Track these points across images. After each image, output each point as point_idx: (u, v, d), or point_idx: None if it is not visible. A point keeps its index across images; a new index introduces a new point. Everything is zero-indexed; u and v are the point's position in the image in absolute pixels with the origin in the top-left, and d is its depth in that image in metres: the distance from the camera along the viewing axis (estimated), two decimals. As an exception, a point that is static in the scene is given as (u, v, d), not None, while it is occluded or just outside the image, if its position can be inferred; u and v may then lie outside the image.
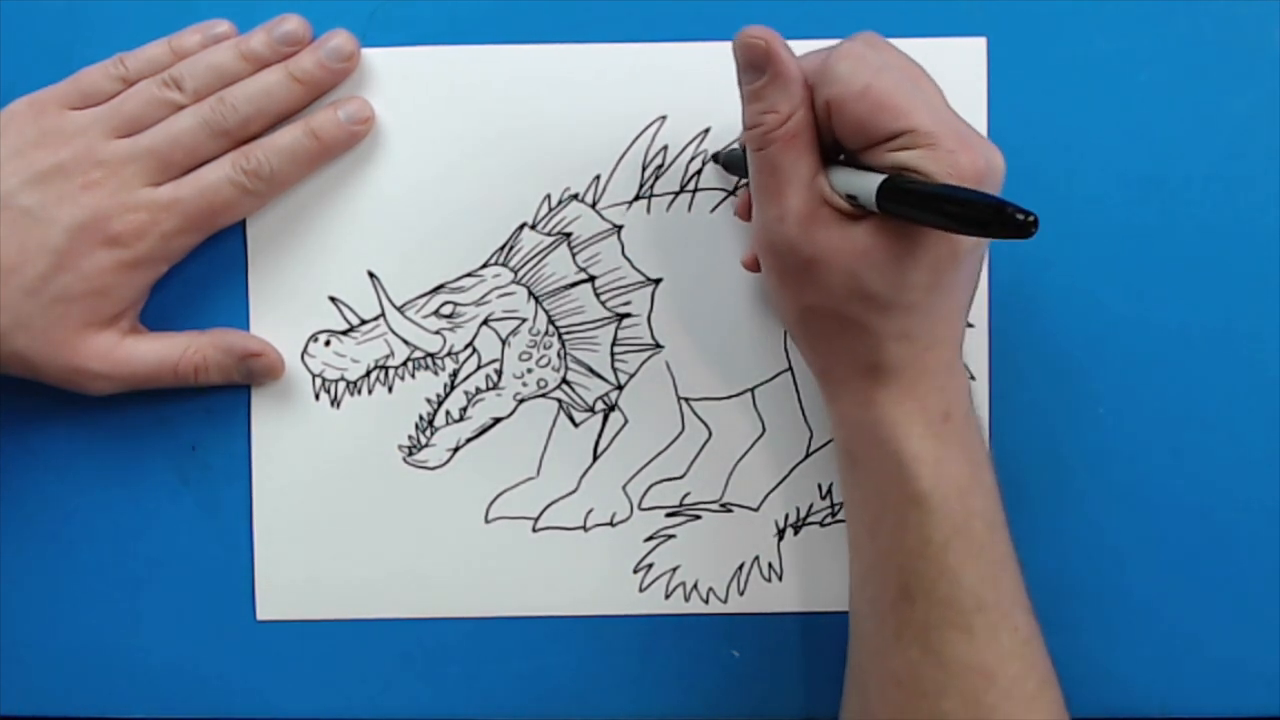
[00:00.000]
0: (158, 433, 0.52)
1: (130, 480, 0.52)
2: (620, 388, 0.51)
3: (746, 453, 0.52)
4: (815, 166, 0.42)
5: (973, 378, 0.51)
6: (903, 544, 0.43)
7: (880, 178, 0.40)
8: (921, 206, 0.38)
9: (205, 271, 0.51)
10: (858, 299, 0.42)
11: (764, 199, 0.43)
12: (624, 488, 0.52)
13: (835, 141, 0.42)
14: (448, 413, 0.51)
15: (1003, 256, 0.51)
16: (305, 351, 0.51)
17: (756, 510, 0.52)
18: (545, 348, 0.51)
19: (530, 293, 0.51)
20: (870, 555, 0.45)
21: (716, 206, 0.51)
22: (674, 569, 0.52)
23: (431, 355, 0.51)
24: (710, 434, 0.52)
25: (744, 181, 0.50)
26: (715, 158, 0.50)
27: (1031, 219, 0.35)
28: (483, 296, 0.51)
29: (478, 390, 0.51)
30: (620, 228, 0.51)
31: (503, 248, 0.51)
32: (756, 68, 0.42)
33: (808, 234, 0.42)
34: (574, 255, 0.51)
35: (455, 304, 0.51)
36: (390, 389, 0.51)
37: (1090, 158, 0.51)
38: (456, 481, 0.51)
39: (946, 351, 0.44)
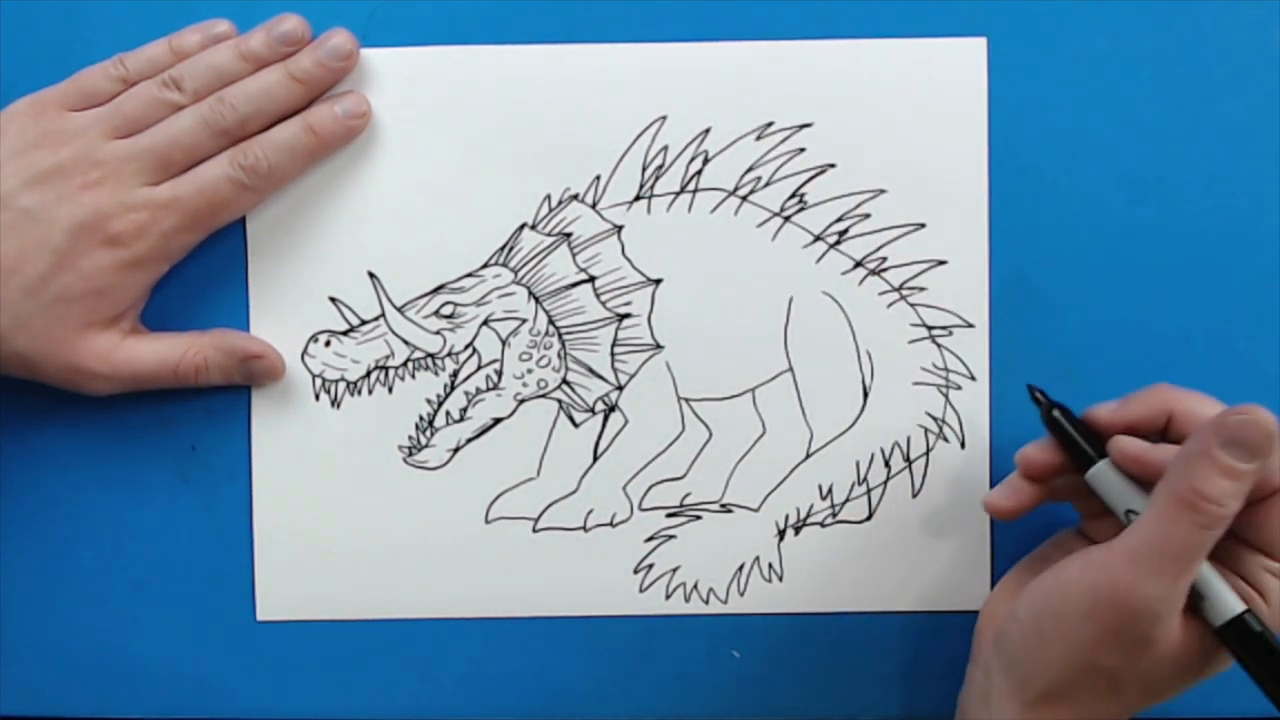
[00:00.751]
0: (158, 433, 0.52)
1: (130, 480, 0.52)
2: (620, 388, 0.51)
3: (747, 453, 0.52)
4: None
5: (973, 377, 0.51)
6: None
7: (1239, 607, 0.40)
8: (1263, 666, 0.40)
9: (205, 272, 0.51)
10: (1142, 680, 0.42)
11: (1162, 569, 0.40)
12: (624, 488, 0.52)
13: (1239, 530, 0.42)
14: (448, 413, 0.51)
15: (1003, 256, 0.51)
16: (305, 352, 0.51)
17: (757, 511, 0.52)
18: (545, 348, 0.51)
19: (530, 293, 0.51)
20: None
21: (717, 207, 0.51)
22: (674, 569, 0.52)
23: (431, 355, 0.51)
24: (710, 434, 0.52)
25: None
26: (1040, 398, 0.47)
27: None
28: (483, 297, 0.51)
29: (478, 390, 0.51)
30: (620, 228, 0.51)
31: (503, 248, 0.51)
32: (1251, 451, 0.40)
33: (1170, 620, 0.40)
34: (574, 255, 0.51)
35: (455, 304, 0.51)
36: (390, 389, 0.51)
37: (1090, 158, 0.51)
38: (456, 482, 0.51)
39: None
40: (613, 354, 0.51)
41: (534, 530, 0.52)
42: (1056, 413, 0.46)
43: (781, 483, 0.52)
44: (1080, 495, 0.47)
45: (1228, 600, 0.41)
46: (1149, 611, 0.40)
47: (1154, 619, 0.40)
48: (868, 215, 0.51)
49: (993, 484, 0.51)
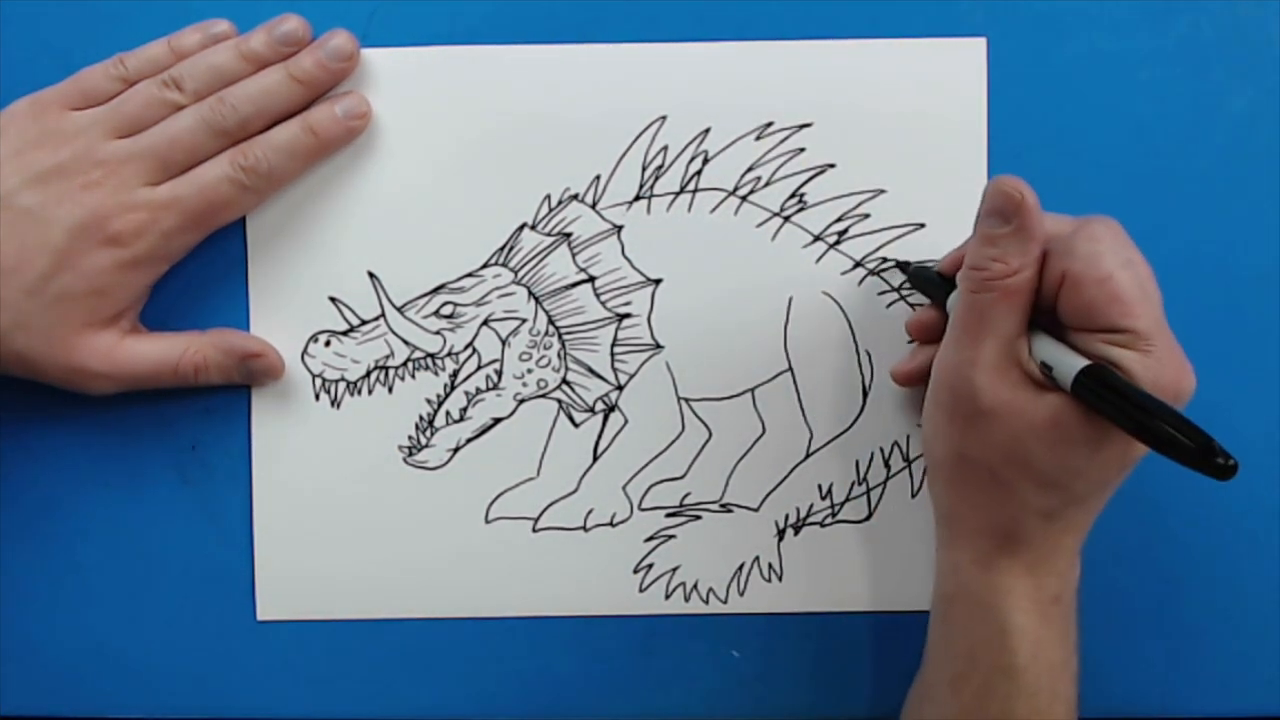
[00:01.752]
0: (158, 433, 0.52)
1: (130, 480, 0.52)
2: (620, 388, 0.51)
3: (747, 453, 0.52)
4: (1021, 326, 0.42)
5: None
6: (985, 709, 0.44)
7: (1084, 362, 0.40)
8: (1123, 409, 0.39)
9: (205, 271, 0.51)
10: (1018, 466, 0.42)
11: (960, 340, 0.43)
12: (624, 488, 0.52)
13: (1050, 310, 0.42)
14: (448, 413, 0.51)
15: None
16: (305, 352, 0.51)
17: (756, 510, 0.52)
18: (545, 348, 0.51)
19: (530, 293, 0.51)
20: (947, 709, 0.45)
21: (717, 207, 0.51)
22: (674, 569, 0.52)
23: (431, 355, 0.51)
24: (710, 434, 0.52)
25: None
26: (903, 267, 0.50)
27: (1232, 464, 0.36)
28: (483, 297, 0.51)
29: (478, 390, 0.51)
30: (620, 228, 0.51)
31: (503, 248, 0.51)
32: (1003, 216, 0.42)
33: (992, 387, 0.42)
34: (574, 255, 0.51)
35: (455, 304, 0.51)
36: (390, 389, 0.51)
37: (1090, 158, 0.51)
38: (456, 482, 0.51)
39: (1077, 538, 0.44)
40: (613, 354, 0.51)
41: (534, 530, 0.52)
42: (912, 266, 0.50)
43: (781, 483, 0.52)
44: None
45: (1070, 360, 0.41)
46: (962, 379, 0.42)
47: (971, 387, 0.42)
48: (867, 215, 0.51)
49: (993, 484, 0.51)
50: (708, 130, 0.51)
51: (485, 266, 0.51)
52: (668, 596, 0.52)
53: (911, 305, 0.51)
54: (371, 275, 0.51)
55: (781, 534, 0.52)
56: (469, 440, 0.51)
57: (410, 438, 0.51)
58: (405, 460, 0.51)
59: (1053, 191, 0.51)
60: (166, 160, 0.48)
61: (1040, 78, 0.51)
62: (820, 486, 0.52)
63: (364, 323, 0.51)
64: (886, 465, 0.52)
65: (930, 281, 0.49)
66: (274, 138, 0.49)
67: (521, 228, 0.51)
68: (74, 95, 0.49)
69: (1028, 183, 0.42)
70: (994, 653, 0.44)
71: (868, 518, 0.52)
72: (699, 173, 0.51)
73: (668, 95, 0.51)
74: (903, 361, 0.50)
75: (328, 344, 0.51)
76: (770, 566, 0.52)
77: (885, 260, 0.51)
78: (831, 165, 0.51)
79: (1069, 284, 0.41)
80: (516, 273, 0.51)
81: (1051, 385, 0.42)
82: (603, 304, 0.51)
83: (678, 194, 0.51)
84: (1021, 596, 0.43)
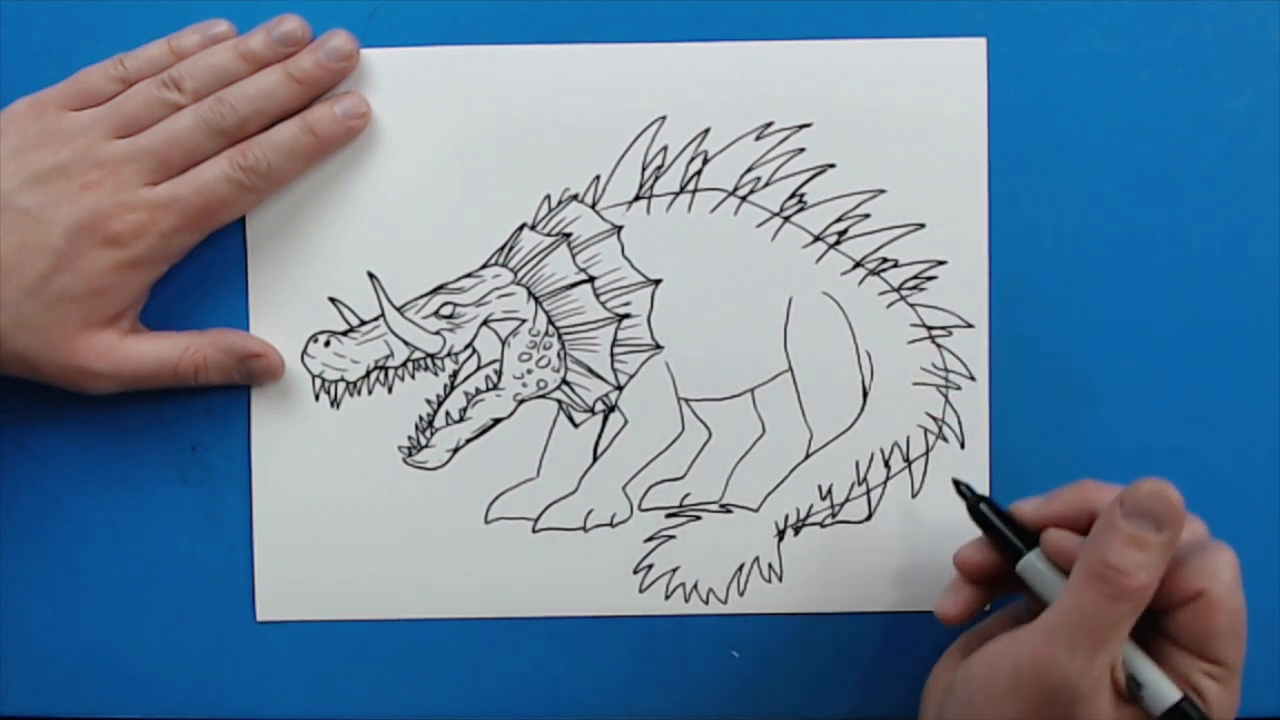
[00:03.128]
0: (158, 433, 0.52)
1: (130, 480, 0.52)
2: (620, 388, 0.51)
3: (746, 453, 0.52)
4: (1127, 633, 0.40)
5: (973, 378, 0.51)
6: None
7: (1176, 694, 0.40)
8: None
9: (205, 271, 0.51)
10: None
11: (1076, 645, 0.40)
12: (624, 488, 0.52)
13: (1154, 616, 0.41)
14: (447, 413, 0.51)
15: (1003, 256, 0.51)
16: (305, 352, 0.51)
17: (756, 511, 0.52)
18: (545, 348, 0.51)
19: (530, 293, 0.51)
20: None
21: (716, 207, 0.51)
22: (674, 570, 0.52)
23: (431, 356, 0.51)
24: (710, 434, 0.51)
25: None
26: (963, 490, 0.46)
27: None
28: (482, 297, 0.51)
29: (477, 391, 0.51)
30: (620, 228, 0.51)
31: (502, 248, 0.51)
32: (1157, 523, 0.40)
33: (1093, 698, 0.40)
34: (574, 256, 0.51)
35: (455, 304, 0.51)
36: (390, 389, 0.51)
37: (1090, 158, 0.51)
38: (456, 482, 0.51)
39: None
40: (612, 354, 0.51)
41: (534, 530, 0.52)
42: (983, 507, 0.45)
43: (781, 483, 0.52)
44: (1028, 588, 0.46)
45: (1165, 688, 0.40)
46: (1068, 687, 0.40)
47: (1073, 695, 0.40)
48: (868, 215, 0.51)
49: (992, 484, 0.51)
50: (708, 130, 0.51)
51: (485, 267, 0.51)
52: (668, 597, 0.52)
53: (911, 305, 0.51)
54: (371, 275, 0.51)
55: (781, 534, 0.52)
56: (469, 440, 0.51)
57: (410, 438, 0.51)
58: (405, 460, 0.51)
59: (1053, 191, 0.51)
60: (166, 160, 0.48)
61: (1040, 78, 0.51)
62: (820, 487, 0.52)
63: (364, 323, 0.51)
64: (887, 465, 0.51)
65: (1000, 525, 0.45)
66: (273, 137, 0.49)
67: (521, 228, 0.51)
68: (73, 95, 0.49)
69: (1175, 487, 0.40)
70: None
71: (868, 518, 0.52)
72: (699, 173, 0.51)
73: (668, 95, 0.51)
74: (947, 598, 0.46)
75: (327, 344, 0.51)
76: (770, 567, 0.52)
77: (958, 485, 0.46)
78: (831, 165, 0.51)
79: (1204, 604, 0.40)
80: (516, 273, 0.51)
81: (1133, 698, 0.41)
82: (602, 304, 0.51)
83: (678, 194, 0.51)
84: None
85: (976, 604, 0.46)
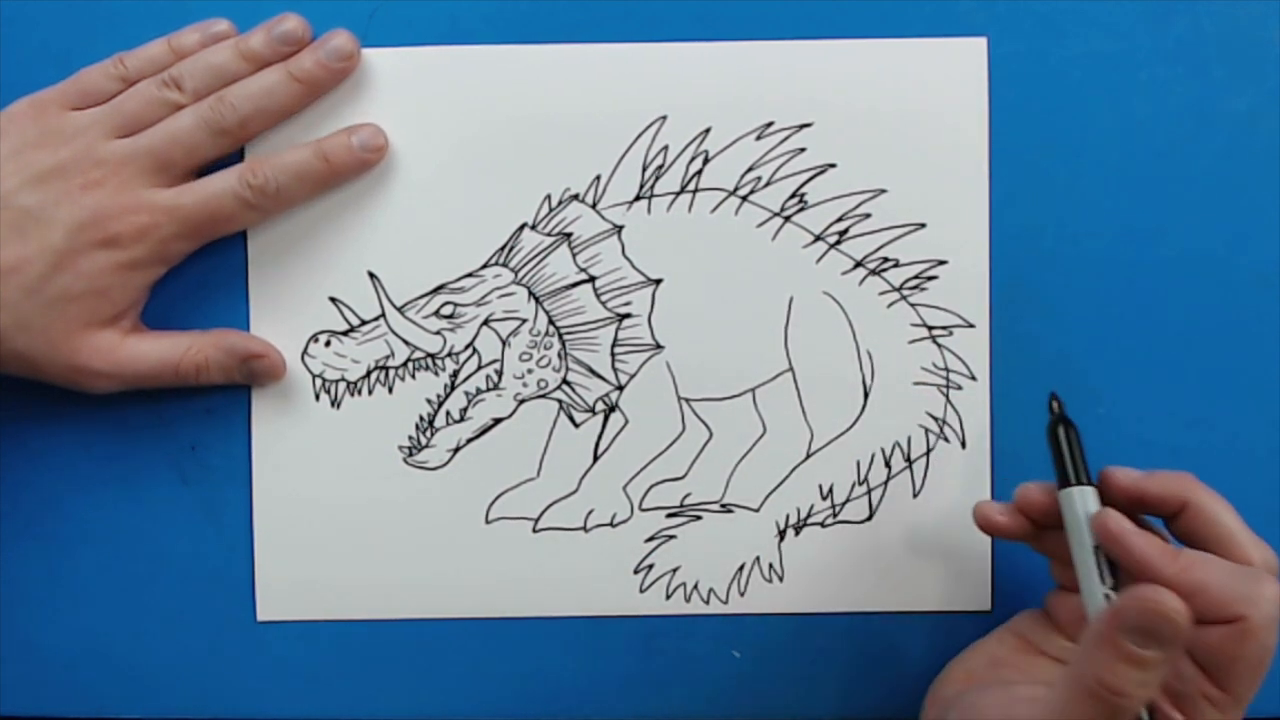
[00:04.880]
0: (158, 433, 0.52)
1: (130, 480, 0.52)
2: (621, 388, 0.51)
3: (747, 453, 0.51)
4: None
5: (973, 377, 0.51)
6: None
7: None
8: None
9: (206, 271, 0.51)
10: None
11: None
12: (624, 488, 0.52)
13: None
14: (448, 413, 0.51)
15: (1003, 256, 0.51)
16: (305, 352, 0.51)
17: (757, 511, 0.52)
18: (545, 348, 0.51)
19: (530, 293, 0.51)
20: None
21: (717, 207, 0.51)
22: (674, 570, 0.52)
23: (432, 356, 0.51)
24: (711, 434, 0.51)
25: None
26: (1053, 407, 0.46)
27: None
28: (483, 297, 0.51)
29: (478, 391, 0.51)
30: (620, 228, 0.51)
31: (503, 248, 0.51)
32: (1158, 640, 0.36)
33: None
34: (574, 255, 0.51)
35: (455, 304, 0.51)
36: (390, 389, 0.51)
37: (1090, 158, 0.51)
38: (457, 482, 0.51)
39: None
40: (613, 354, 0.51)
41: (534, 530, 0.52)
42: (1062, 429, 0.44)
43: (782, 483, 0.52)
44: (1059, 558, 0.45)
45: None
46: None
47: None
48: (868, 215, 0.51)
49: (993, 484, 0.51)
50: (708, 130, 0.51)
51: (485, 266, 0.51)
52: (668, 597, 0.52)
53: (912, 305, 0.51)
54: (371, 275, 0.51)
55: (782, 534, 0.52)
56: (469, 440, 0.51)
57: (410, 438, 0.51)
58: (405, 460, 0.51)
59: (1053, 191, 0.51)
60: (166, 160, 0.48)
61: (1040, 78, 0.51)
62: (821, 487, 0.52)
63: (364, 323, 0.51)
64: (887, 465, 0.51)
65: (1067, 447, 0.44)
66: (285, 160, 0.49)
67: (522, 228, 0.51)
68: (74, 95, 0.49)
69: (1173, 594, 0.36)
70: None
71: (869, 518, 0.52)
72: (699, 173, 0.51)
73: (668, 95, 0.51)
74: (995, 510, 0.45)
75: (328, 344, 0.51)
76: (771, 567, 0.52)
77: (1052, 398, 0.46)
78: (832, 165, 0.51)
79: (1239, 630, 0.38)
80: (517, 273, 0.51)
81: None
82: (603, 304, 0.51)
83: (678, 194, 0.51)
84: None
85: (1018, 530, 0.45)
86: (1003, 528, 0.45)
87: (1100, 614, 0.37)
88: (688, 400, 0.51)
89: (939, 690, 0.46)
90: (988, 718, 0.41)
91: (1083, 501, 0.43)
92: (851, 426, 0.51)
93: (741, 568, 0.52)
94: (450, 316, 0.51)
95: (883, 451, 0.51)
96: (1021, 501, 0.45)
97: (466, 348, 0.51)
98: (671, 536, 0.52)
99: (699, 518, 0.52)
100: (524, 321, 0.51)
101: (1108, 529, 0.41)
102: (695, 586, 0.52)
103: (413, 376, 0.51)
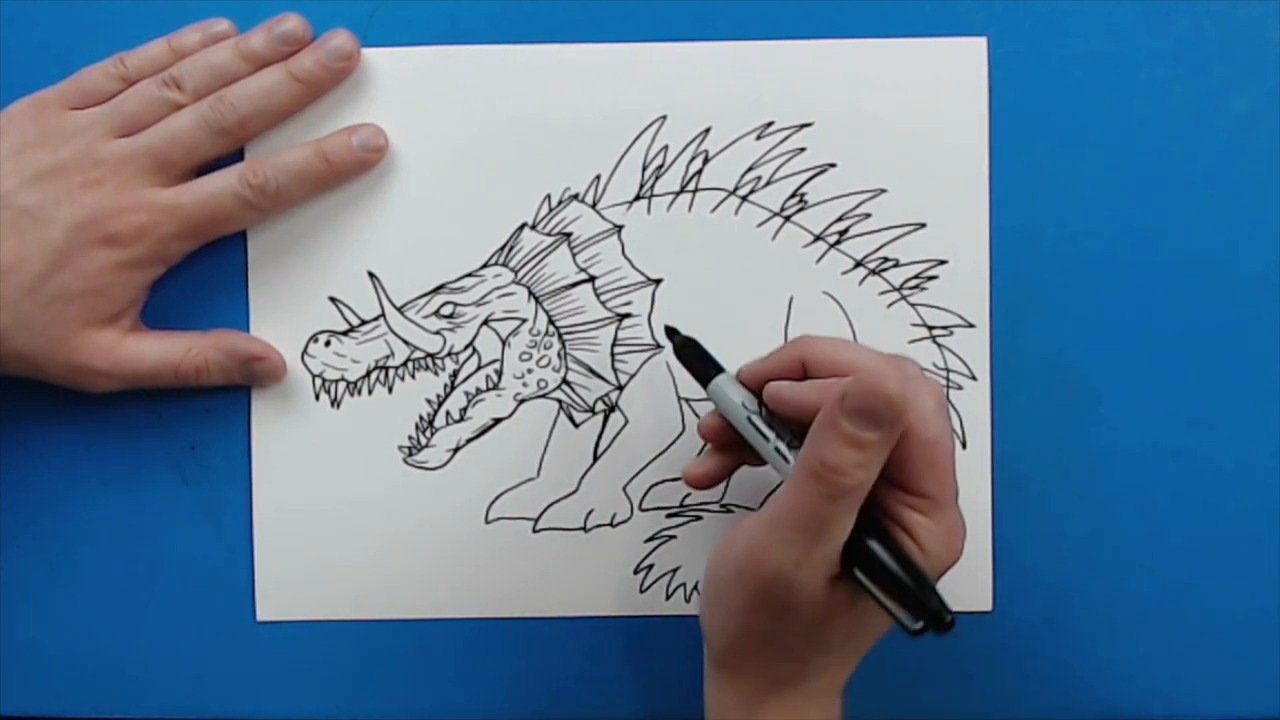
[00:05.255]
0: (158, 433, 0.52)
1: (130, 480, 0.52)
2: (621, 388, 0.51)
3: (747, 453, 0.51)
4: (851, 524, 0.40)
5: (973, 377, 0.51)
6: None
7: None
8: (888, 588, 0.40)
9: (205, 271, 0.51)
10: (809, 642, 0.42)
11: (791, 540, 0.40)
12: (624, 488, 0.52)
13: None
14: (448, 413, 0.51)
15: (1003, 256, 0.51)
16: (305, 352, 0.51)
17: (757, 511, 0.52)
18: (545, 348, 0.51)
19: (530, 293, 0.51)
20: None
21: (717, 207, 0.51)
22: (675, 570, 0.52)
23: (431, 355, 0.51)
24: (710, 434, 0.51)
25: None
26: (671, 333, 0.48)
27: (950, 619, 0.39)
28: (483, 297, 0.51)
29: (478, 391, 0.51)
30: (620, 228, 0.51)
31: (503, 248, 0.51)
32: (876, 421, 0.39)
33: (812, 585, 0.40)
34: (574, 255, 0.51)
35: (455, 304, 0.51)
36: (390, 389, 0.51)
37: (1090, 158, 0.51)
38: (456, 482, 0.51)
39: (846, 676, 0.45)
40: (613, 354, 0.51)
41: (534, 530, 0.52)
42: (686, 347, 0.47)
43: (781, 482, 0.51)
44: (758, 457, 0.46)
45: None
46: (783, 578, 0.40)
47: (789, 585, 0.40)
48: (868, 215, 0.51)
49: (993, 484, 0.51)
50: (708, 130, 0.51)
51: (485, 266, 0.51)
52: (668, 597, 0.52)
53: (912, 305, 0.51)
54: (371, 275, 0.51)
55: (782, 534, 0.52)
56: (469, 440, 0.51)
57: (410, 438, 0.51)
58: (405, 460, 0.51)
59: (1053, 191, 0.51)
60: (166, 159, 0.48)
61: (1040, 78, 0.51)
62: (820, 486, 0.51)
63: (364, 323, 0.51)
64: (887, 465, 0.51)
65: (699, 360, 0.47)
66: (285, 159, 0.49)
67: (521, 227, 0.51)
68: (74, 95, 0.49)
69: (895, 379, 0.40)
70: None
71: (868, 518, 0.52)
72: (699, 172, 0.51)
73: (668, 95, 0.51)
74: (694, 464, 0.47)
75: (328, 344, 0.51)
76: (770, 566, 0.52)
77: (667, 329, 0.48)
78: (832, 165, 0.51)
79: (902, 438, 0.40)
80: (517, 273, 0.51)
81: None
82: (603, 304, 0.51)
83: (678, 194, 0.51)
84: None
85: (719, 469, 0.47)
86: (709, 470, 0.47)
87: (827, 403, 0.40)
88: (688, 400, 0.51)
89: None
90: (724, 547, 0.43)
91: (726, 385, 0.45)
92: (851, 426, 0.51)
93: (741, 568, 0.52)
94: (450, 316, 0.51)
95: (883, 451, 0.51)
96: (704, 432, 0.47)
97: (466, 348, 0.51)
98: (671, 536, 0.52)
99: (699, 518, 0.52)
100: (524, 321, 0.51)
101: (771, 395, 0.43)
102: (695, 586, 0.52)
103: (413, 376, 0.51)
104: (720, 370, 0.46)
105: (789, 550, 0.40)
